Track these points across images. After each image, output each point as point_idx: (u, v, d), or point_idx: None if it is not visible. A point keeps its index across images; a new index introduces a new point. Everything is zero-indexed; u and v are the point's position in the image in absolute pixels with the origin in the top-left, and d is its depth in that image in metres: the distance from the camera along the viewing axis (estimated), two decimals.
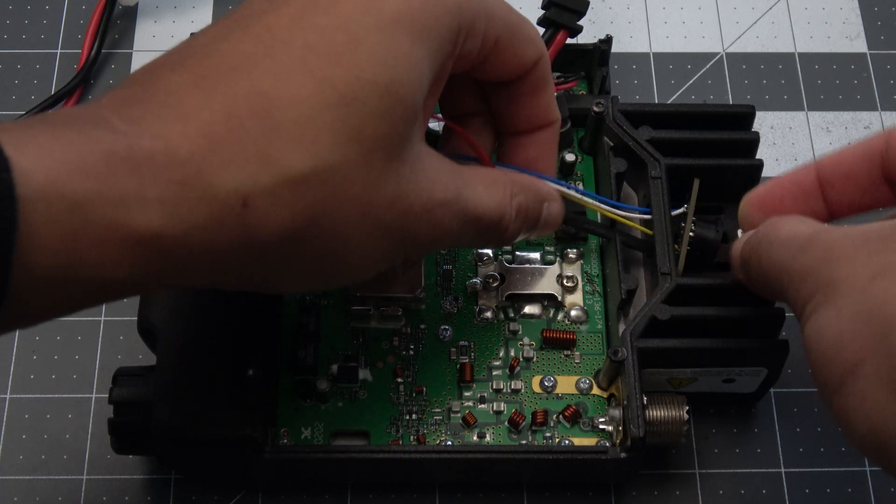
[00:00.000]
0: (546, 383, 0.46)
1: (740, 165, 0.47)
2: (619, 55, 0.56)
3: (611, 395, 0.46)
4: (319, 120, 0.33)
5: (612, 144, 0.48)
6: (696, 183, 0.45)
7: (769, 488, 0.47)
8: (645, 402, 0.43)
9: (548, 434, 0.45)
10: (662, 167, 0.46)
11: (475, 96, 0.43)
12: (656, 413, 0.43)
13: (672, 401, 0.44)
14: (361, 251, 0.36)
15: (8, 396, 0.48)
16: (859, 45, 0.57)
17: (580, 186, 0.50)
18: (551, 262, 0.48)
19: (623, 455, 0.43)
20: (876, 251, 0.34)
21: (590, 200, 0.45)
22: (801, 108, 0.56)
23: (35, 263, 0.30)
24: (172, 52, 0.35)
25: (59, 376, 0.49)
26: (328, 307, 0.47)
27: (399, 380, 0.46)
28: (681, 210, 0.45)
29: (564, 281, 0.48)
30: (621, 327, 0.45)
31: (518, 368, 0.46)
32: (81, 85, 0.54)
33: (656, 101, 0.56)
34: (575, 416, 0.45)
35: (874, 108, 0.56)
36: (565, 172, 0.50)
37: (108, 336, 0.50)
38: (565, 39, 0.49)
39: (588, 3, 0.49)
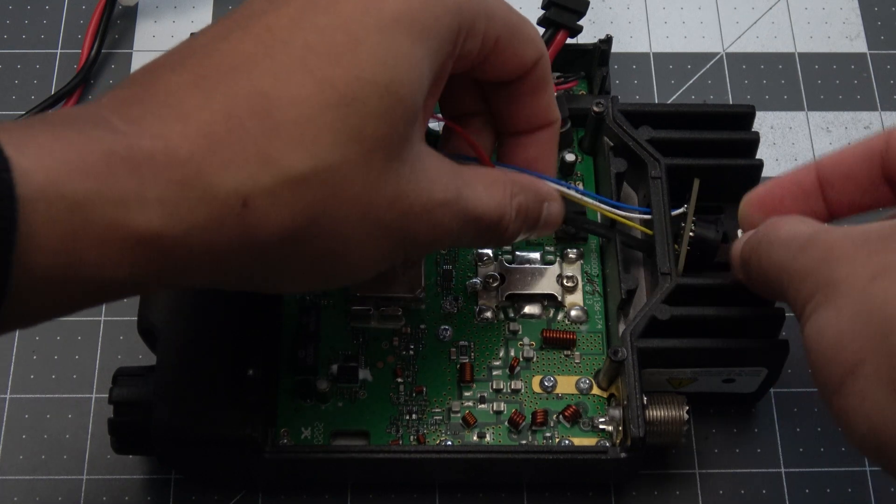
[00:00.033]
0: (546, 383, 0.46)
1: (740, 165, 0.47)
2: (619, 55, 0.56)
3: (611, 395, 0.46)
4: (319, 120, 0.33)
5: (612, 144, 0.48)
6: (696, 183, 0.45)
7: (769, 488, 0.47)
8: (645, 402, 0.43)
9: (548, 434, 0.45)
10: (662, 167, 0.46)
11: (475, 96, 0.43)
12: (656, 413, 0.43)
13: (672, 401, 0.44)
14: (361, 251, 0.36)
15: (8, 396, 0.48)
16: (859, 45, 0.57)
17: (580, 186, 0.50)
18: (551, 262, 0.48)
19: (623, 455, 0.43)
20: (876, 251, 0.34)
21: (589, 200, 0.45)
22: (801, 108, 0.56)
23: (35, 263, 0.30)
24: (172, 52, 0.35)
25: (59, 376, 0.49)
26: (328, 307, 0.47)
27: (399, 380, 0.46)
28: (681, 210, 0.45)
29: (564, 281, 0.48)
30: (621, 327, 0.45)
31: (518, 368, 0.46)
32: (81, 85, 0.54)
33: (656, 101, 0.56)
34: (575, 416, 0.45)
35: (874, 108, 0.56)
36: (565, 172, 0.50)
37: (108, 336, 0.50)
38: (565, 39, 0.49)
39: (588, 3, 0.49)
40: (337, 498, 0.47)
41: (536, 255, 0.48)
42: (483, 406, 0.46)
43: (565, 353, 0.47)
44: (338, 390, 0.46)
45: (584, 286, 0.48)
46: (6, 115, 0.54)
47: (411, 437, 0.45)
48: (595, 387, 0.46)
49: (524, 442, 0.45)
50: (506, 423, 0.45)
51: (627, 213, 0.46)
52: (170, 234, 0.32)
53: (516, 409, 0.46)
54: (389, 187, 0.35)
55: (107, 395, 0.44)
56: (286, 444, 0.45)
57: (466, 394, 0.46)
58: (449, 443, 0.45)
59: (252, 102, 0.33)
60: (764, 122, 0.55)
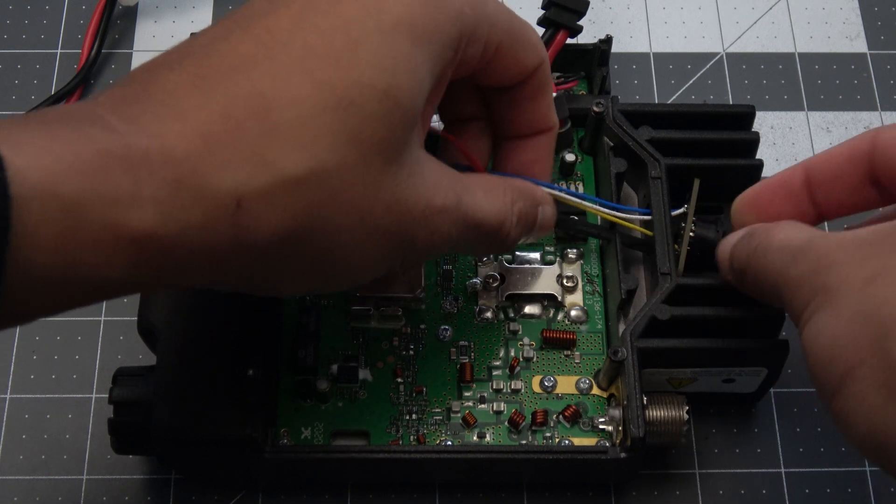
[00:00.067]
0: (546, 383, 0.46)
1: (740, 165, 0.47)
2: (619, 55, 0.57)
3: (611, 395, 0.46)
4: (317, 122, 0.33)
5: (612, 144, 0.48)
6: (697, 183, 0.45)
7: (769, 488, 0.47)
8: (645, 402, 0.43)
9: (548, 434, 0.45)
10: (662, 167, 0.46)
11: (474, 101, 0.43)
12: (656, 413, 0.43)
13: (672, 401, 0.44)
14: (358, 255, 0.36)
15: (8, 396, 0.48)
16: (859, 45, 0.57)
17: (581, 186, 0.50)
18: (551, 262, 0.48)
19: (623, 455, 0.43)
20: (869, 256, 0.34)
21: (576, 200, 0.45)
22: (801, 108, 0.56)
23: (29, 263, 0.30)
24: (172, 52, 0.35)
25: (59, 376, 0.49)
26: (328, 307, 0.47)
27: (399, 380, 0.46)
28: (681, 210, 0.45)
29: (564, 281, 0.48)
30: (621, 327, 0.45)
31: (518, 368, 0.46)
32: (81, 85, 0.54)
33: (656, 101, 0.56)
34: (575, 416, 0.45)
35: (874, 108, 0.56)
36: (565, 172, 0.50)
37: (108, 336, 0.50)
38: (565, 39, 0.49)
39: (588, 3, 0.49)
40: (337, 498, 0.47)
41: (536, 255, 0.48)
42: (483, 406, 0.46)
43: (565, 353, 0.47)
44: (338, 390, 0.46)
45: (584, 286, 0.48)
46: (6, 116, 0.54)
47: (411, 437, 0.45)
48: (595, 387, 0.46)
49: (524, 442, 0.45)
50: (506, 423, 0.45)
51: (621, 214, 0.46)
52: (164, 234, 0.32)
53: (516, 409, 0.46)
54: (387, 191, 0.35)
55: (107, 395, 0.44)
56: (286, 444, 0.45)
57: (466, 394, 0.46)
58: (449, 443, 0.45)
59: (250, 103, 0.33)
60: (764, 122, 0.55)
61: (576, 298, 0.48)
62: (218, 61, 0.34)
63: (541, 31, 0.49)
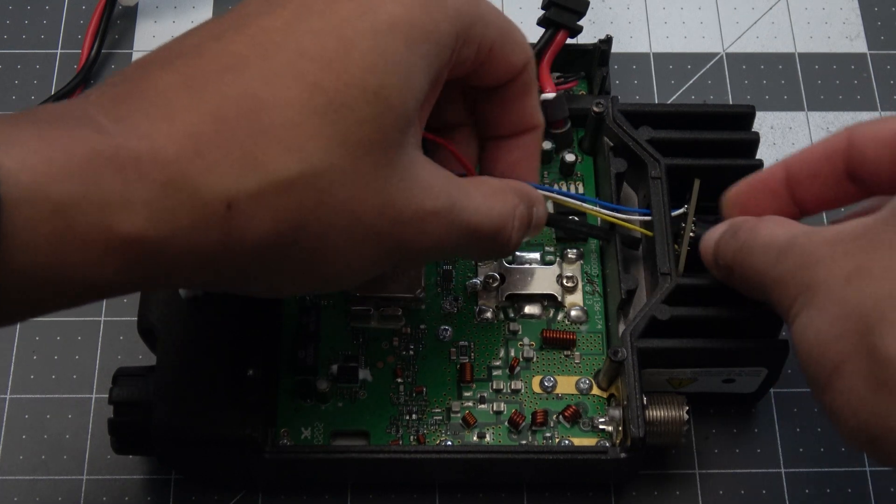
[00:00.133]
0: (546, 383, 0.46)
1: (740, 165, 0.47)
2: (619, 55, 0.56)
3: (611, 396, 0.46)
4: (308, 124, 0.33)
5: (612, 144, 0.48)
6: (697, 183, 0.45)
7: (769, 488, 0.47)
8: (645, 402, 0.43)
9: (548, 434, 0.45)
10: (662, 167, 0.46)
11: (460, 107, 0.43)
12: (656, 413, 0.43)
13: (672, 401, 0.44)
14: (350, 257, 0.36)
15: (8, 396, 0.48)
16: (859, 45, 0.57)
17: (581, 186, 0.50)
18: (551, 263, 0.48)
19: (623, 455, 0.43)
20: (850, 251, 0.34)
21: (575, 202, 0.45)
22: (801, 108, 0.56)
23: (18, 264, 0.30)
24: (163, 49, 0.35)
25: (59, 376, 0.49)
26: (328, 307, 0.47)
27: (399, 380, 0.46)
28: (681, 210, 0.45)
29: (564, 281, 0.48)
30: (621, 327, 0.45)
31: (518, 368, 0.46)
32: (81, 85, 0.54)
33: (656, 101, 0.56)
34: (575, 417, 0.45)
35: (874, 108, 0.56)
36: (565, 172, 0.50)
37: (108, 336, 0.50)
38: (565, 39, 0.49)
39: (588, 3, 0.49)
40: (337, 498, 0.47)
41: (536, 255, 0.48)
42: (483, 406, 0.46)
43: (565, 353, 0.47)
44: (338, 390, 0.46)
45: (584, 286, 0.48)
46: None
47: (411, 437, 0.45)
48: (595, 387, 0.46)
49: (524, 442, 0.45)
50: (506, 424, 0.46)
51: (621, 214, 0.46)
52: (154, 235, 0.32)
53: (516, 410, 0.46)
54: (378, 194, 0.35)
55: (107, 395, 0.44)
56: (286, 444, 0.45)
57: (466, 394, 0.46)
58: (449, 443, 0.45)
59: (241, 104, 0.33)
60: (764, 122, 0.55)
61: (576, 298, 0.48)
62: (210, 61, 0.34)
63: (541, 31, 0.49)
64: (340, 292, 0.47)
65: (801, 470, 0.48)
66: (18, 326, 0.50)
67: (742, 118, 0.48)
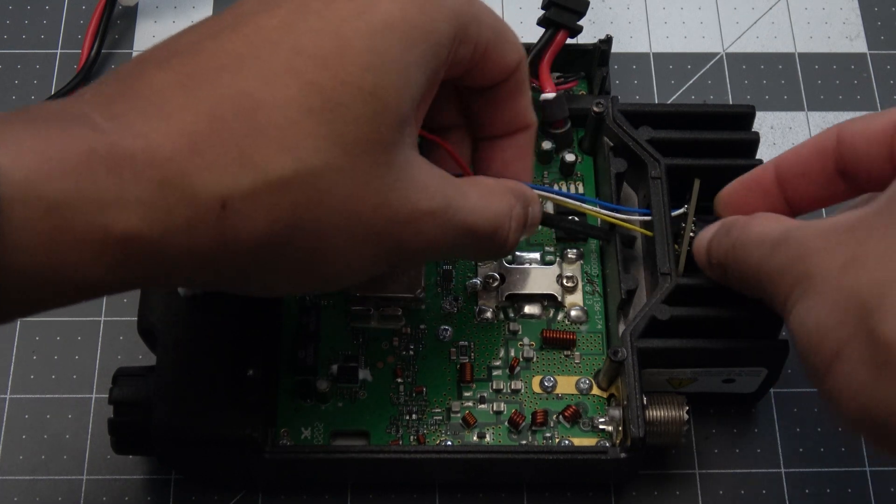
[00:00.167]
0: (546, 383, 0.46)
1: (740, 165, 0.47)
2: (619, 55, 0.56)
3: (611, 396, 0.46)
4: (303, 124, 0.33)
5: (612, 144, 0.48)
6: (697, 183, 0.45)
7: (769, 488, 0.47)
8: (645, 402, 0.43)
9: (548, 434, 0.45)
10: (662, 167, 0.46)
11: (454, 109, 0.43)
12: (656, 413, 0.44)
13: (672, 401, 0.44)
14: (345, 257, 0.36)
15: (8, 396, 0.48)
16: (859, 45, 0.57)
17: (581, 186, 0.50)
18: (551, 262, 0.48)
19: (623, 455, 0.43)
20: (844, 241, 0.35)
21: (574, 202, 0.45)
22: (801, 108, 0.56)
23: (11, 263, 0.30)
24: (159, 48, 0.35)
25: (59, 376, 0.49)
26: (328, 307, 0.47)
27: (399, 380, 0.46)
28: (681, 210, 0.45)
29: (564, 281, 0.48)
30: (621, 327, 0.45)
31: (518, 368, 0.46)
32: (81, 85, 0.54)
33: (656, 101, 0.56)
34: (575, 417, 0.45)
35: (874, 109, 0.56)
36: (565, 172, 0.50)
37: (108, 336, 0.50)
38: (565, 39, 0.49)
39: (588, 3, 0.49)
40: (337, 498, 0.47)
41: (536, 255, 0.48)
42: (483, 406, 0.46)
43: (565, 353, 0.47)
44: (338, 390, 0.46)
45: (584, 286, 0.48)
46: None
47: (411, 437, 0.45)
48: (595, 387, 0.46)
49: (524, 442, 0.45)
50: (506, 424, 0.46)
51: (621, 215, 0.46)
52: (149, 234, 0.31)
53: (516, 410, 0.46)
54: (374, 193, 0.35)
55: (107, 395, 0.44)
56: (286, 444, 0.45)
57: (466, 394, 0.46)
58: (449, 443, 0.45)
59: (237, 104, 0.33)
60: (764, 122, 0.55)
61: (576, 298, 0.48)
62: (206, 60, 0.34)
63: (541, 31, 0.49)
64: (340, 292, 0.47)
65: (801, 470, 0.48)
66: (18, 326, 0.50)
67: (742, 118, 0.48)
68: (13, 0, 0.58)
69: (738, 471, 0.48)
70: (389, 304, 0.47)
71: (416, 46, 0.35)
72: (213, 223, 0.32)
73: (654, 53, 0.57)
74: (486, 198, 0.39)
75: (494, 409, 0.46)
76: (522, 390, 0.46)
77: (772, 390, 0.49)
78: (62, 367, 0.49)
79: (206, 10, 0.58)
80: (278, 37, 0.34)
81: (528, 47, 0.48)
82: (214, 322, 0.44)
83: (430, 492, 0.47)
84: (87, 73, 0.54)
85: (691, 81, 0.56)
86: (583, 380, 0.46)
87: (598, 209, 0.46)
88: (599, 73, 0.51)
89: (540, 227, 0.47)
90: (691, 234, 0.45)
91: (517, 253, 0.48)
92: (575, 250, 0.48)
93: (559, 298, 0.47)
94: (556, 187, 0.49)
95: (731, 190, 0.44)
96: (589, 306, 0.48)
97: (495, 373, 0.47)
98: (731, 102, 0.56)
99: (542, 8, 0.49)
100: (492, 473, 0.46)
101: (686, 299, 0.44)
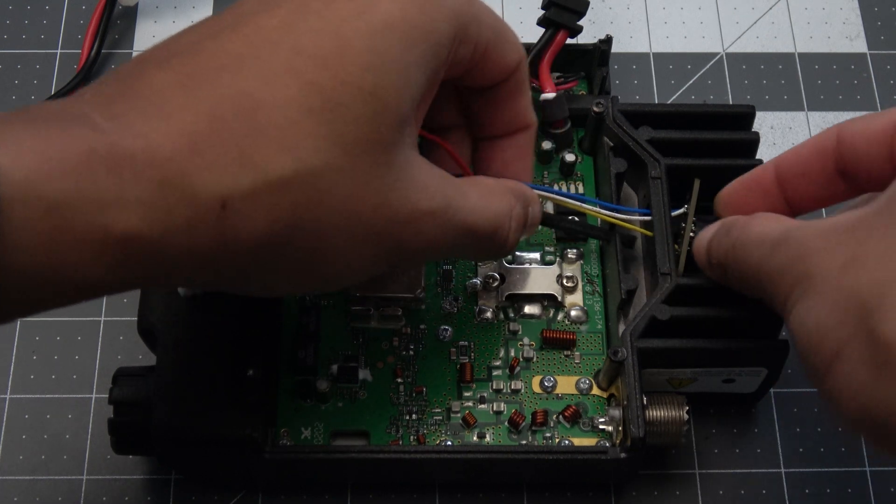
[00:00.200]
0: (546, 383, 0.46)
1: (740, 165, 0.47)
2: (619, 55, 0.57)
3: (611, 396, 0.46)
4: (303, 124, 0.33)
5: (612, 144, 0.48)
6: (697, 183, 0.45)
7: (769, 488, 0.47)
8: (645, 402, 0.43)
9: (548, 434, 0.45)
10: (662, 167, 0.46)
11: (454, 109, 0.43)
12: (656, 413, 0.43)
13: (672, 401, 0.44)
14: (344, 257, 0.36)
15: (8, 396, 0.48)
16: (859, 45, 0.57)
17: (581, 186, 0.50)
18: (551, 263, 0.48)
19: (623, 455, 0.43)
20: (844, 241, 0.35)
21: (574, 202, 0.45)
22: (801, 108, 0.56)
23: (11, 263, 0.30)
24: (159, 48, 0.35)
25: (59, 376, 0.49)
26: (328, 307, 0.47)
27: (399, 380, 0.46)
28: (681, 210, 0.45)
29: (564, 281, 0.48)
30: (621, 327, 0.45)
31: (518, 368, 0.46)
32: (81, 85, 0.54)
33: (656, 101, 0.56)
34: (575, 417, 0.45)
35: (874, 109, 0.56)
36: (565, 172, 0.50)
37: (108, 336, 0.50)
38: (565, 39, 0.49)
39: (588, 3, 0.49)
40: (337, 498, 0.47)
41: (536, 255, 0.48)
42: (483, 406, 0.46)
43: (565, 353, 0.47)
44: (338, 390, 0.46)
45: (584, 286, 0.48)
46: None
47: (411, 437, 0.45)
48: (595, 387, 0.46)
49: (524, 442, 0.45)
50: (506, 424, 0.46)
51: (621, 215, 0.46)
52: (149, 234, 0.31)
53: (516, 410, 0.46)
54: (374, 193, 0.35)
55: (107, 395, 0.44)
56: (286, 444, 0.45)
57: (466, 394, 0.46)
58: (449, 443, 0.45)
59: (237, 104, 0.33)
60: (764, 122, 0.55)
61: (576, 298, 0.48)
62: (206, 60, 0.34)
63: (541, 31, 0.49)
64: (340, 292, 0.47)
65: (801, 470, 0.48)
66: (18, 326, 0.50)
67: (742, 118, 0.48)
68: (13, 0, 0.58)
69: (738, 471, 0.48)
70: (389, 304, 0.47)
71: (415, 46, 0.35)
72: (213, 223, 0.32)
73: (654, 53, 0.57)
74: (486, 198, 0.39)
75: (494, 409, 0.46)
76: (522, 390, 0.46)
77: (772, 390, 0.49)
78: (62, 367, 0.49)
79: (206, 10, 0.58)
80: (278, 37, 0.34)
81: (528, 47, 0.48)
82: (214, 322, 0.44)
83: (430, 492, 0.47)
84: (87, 73, 0.54)
85: (691, 81, 0.56)
86: (583, 380, 0.46)
87: (598, 209, 0.46)
88: (599, 73, 0.51)
89: (540, 227, 0.47)
90: (691, 234, 0.45)
91: (517, 253, 0.48)
92: (575, 250, 0.48)
93: (559, 298, 0.47)
94: (556, 187, 0.49)
95: (731, 190, 0.44)
96: (589, 306, 0.48)
97: (495, 373, 0.47)
98: (731, 102, 0.56)
99: (542, 8, 0.49)
100: (492, 473, 0.46)
101: (686, 299, 0.44)
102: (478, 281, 0.48)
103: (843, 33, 0.58)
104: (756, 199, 0.43)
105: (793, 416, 0.49)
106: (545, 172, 0.50)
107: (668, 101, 0.56)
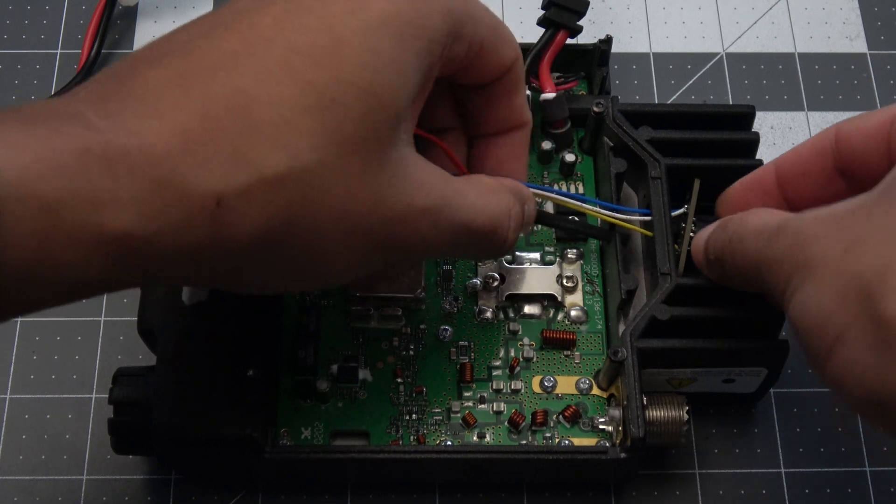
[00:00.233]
0: (546, 383, 0.46)
1: (740, 165, 0.47)
2: (619, 55, 0.57)
3: (611, 396, 0.46)
4: (298, 121, 0.33)
5: (612, 144, 0.48)
6: (697, 183, 0.45)
7: (769, 488, 0.47)
8: (645, 402, 0.43)
9: (548, 434, 0.45)
10: (662, 167, 0.46)
11: (450, 110, 0.43)
12: (656, 413, 0.43)
13: (672, 401, 0.44)
14: (339, 255, 0.36)
15: (8, 396, 0.48)
16: (859, 45, 0.57)
17: (581, 186, 0.50)
18: (551, 263, 0.48)
19: (623, 455, 0.43)
20: (844, 227, 0.35)
21: (574, 202, 0.45)
22: (801, 108, 0.56)
23: (6, 261, 0.30)
24: (153, 47, 0.35)
25: (59, 376, 0.49)
26: (328, 307, 0.47)
27: (399, 380, 0.46)
28: (681, 210, 0.45)
29: (564, 281, 0.48)
30: (621, 327, 0.45)
31: (518, 368, 0.46)
32: None
33: (656, 101, 0.56)
34: (575, 417, 0.45)
35: (874, 109, 0.56)
36: (565, 172, 0.50)
37: (108, 336, 0.50)
38: (565, 39, 0.49)
39: (588, 3, 0.49)
40: (337, 498, 0.47)
41: (536, 255, 0.48)
42: (483, 406, 0.46)
43: (565, 353, 0.47)
44: (338, 390, 0.46)
45: (583, 286, 0.48)
46: None
47: (411, 437, 0.45)
48: (595, 387, 0.46)
49: (524, 442, 0.45)
50: (506, 424, 0.46)
51: (621, 215, 0.46)
52: (144, 233, 0.31)
53: (516, 410, 0.46)
54: (368, 191, 0.35)
55: (107, 395, 0.44)
56: (286, 444, 0.45)
57: (466, 394, 0.46)
58: (449, 443, 0.45)
59: (231, 101, 0.33)
60: (764, 122, 0.55)
61: (576, 298, 0.48)
62: (199, 58, 0.34)
63: (541, 31, 0.49)
64: (341, 292, 0.47)
65: (801, 470, 0.48)
66: (18, 326, 0.50)
67: (742, 118, 0.48)
68: (13, 0, 0.58)
69: (738, 471, 0.48)
70: (389, 304, 0.47)
71: (410, 43, 0.35)
72: (208, 221, 0.32)
73: (654, 53, 0.57)
74: (484, 196, 0.39)
75: (494, 409, 0.46)
76: (522, 390, 0.46)
77: (772, 390, 0.49)
78: (62, 367, 0.49)
79: (206, 10, 0.58)
80: (272, 34, 0.34)
81: (528, 47, 0.48)
82: (214, 322, 0.44)
83: (430, 492, 0.47)
84: (87, 73, 0.54)
85: (691, 81, 0.56)
86: (583, 380, 0.46)
87: (598, 209, 0.46)
88: (599, 73, 0.51)
89: (540, 226, 0.47)
90: (691, 233, 0.45)
91: (517, 253, 0.48)
92: (575, 250, 0.48)
93: (559, 298, 0.47)
94: (556, 187, 0.49)
95: (733, 191, 0.44)
96: (589, 306, 0.48)
97: (495, 373, 0.47)
98: (731, 102, 0.56)
99: (542, 8, 0.49)
100: (492, 473, 0.46)
101: (686, 299, 0.44)
102: (478, 281, 0.48)
103: (843, 33, 0.58)
104: (757, 200, 0.43)
105: (793, 416, 0.49)
106: (545, 172, 0.50)
107: (668, 101, 0.56)
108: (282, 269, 0.35)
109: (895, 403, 0.33)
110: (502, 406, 0.46)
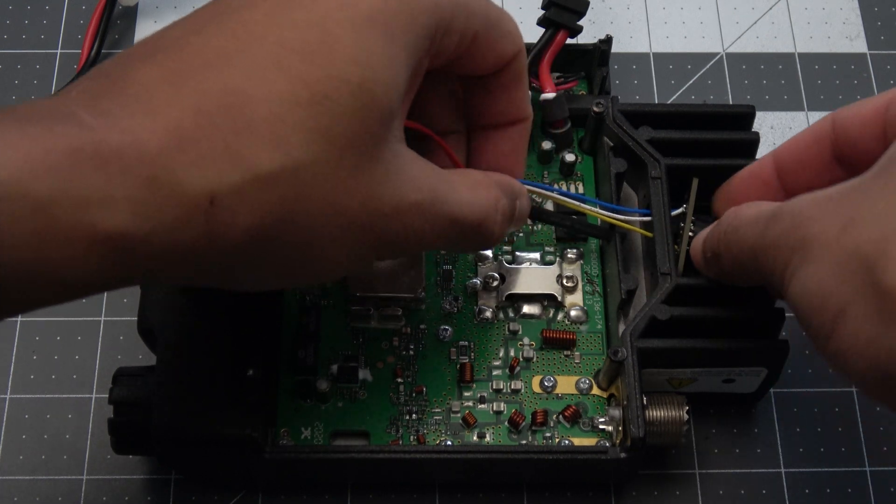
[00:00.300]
0: (546, 383, 0.46)
1: (740, 166, 0.47)
2: (619, 55, 0.57)
3: (611, 395, 0.46)
4: (290, 118, 0.33)
5: (612, 144, 0.48)
6: (695, 183, 0.45)
7: (769, 488, 0.47)
8: (645, 402, 0.43)
9: (548, 434, 0.45)
10: (662, 167, 0.46)
11: (450, 112, 0.43)
12: (656, 413, 0.44)
13: (672, 401, 0.44)
14: (332, 251, 0.36)
15: (8, 396, 0.48)
16: (859, 45, 0.57)
17: (581, 186, 0.50)
18: (551, 262, 0.48)
19: (623, 455, 0.43)
20: (841, 206, 0.35)
21: (559, 196, 0.45)
22: (801, 108, 0.56)
23: (2, 261, 0.30)
24: (145, 44, 0.35)
25: (59, 376, 0.49)
26: (328, 307, 0.47)
27: (399, 380, 0.46)
28: (680, 210, 0.46)
29: (564, 281, 0.48)
30: (621, 327, 0.45)
31: (518, 368, 0.46)
32: None
33: (656, 101, 0.56)
34: (575, 416, 0.45)
35: None
36: (565, 172, 0.50)
37: (108, 336, 0.50)
38: (565, 39, 0.49)
39: (588, 3, 0.49)
40: (337, 498, 0.47)
41: (536, 255, 0.48)
42: (483, 406, 0.46)
43: (565, 353, 0.47)
44: (338, 390, 0.46)
45: (583, 286, 0.48)
46: None
47: (411, 437, 0.45)
48: (595, 387, 0.46)
49: (524, 442, 0.45)
50: (506, 423, 0.46)
51: (621, 215, 0.46)
52: (137, 232, 0.31)
53: (516, 409, 0.46)
54: (361, 187, 0.35)
55: (107, 395, 0.44)
56: (286, 444, 0.45)
57: (466, 394, 0.46)
58: (449, 443, 0.45)
59: (223, 99, 0.33)
60: (764, 122, 0.55)
61: (576, 298, 0.48)
62: (191, 56, 0.33)
63: (541, 31, 0.49)
64: (340, 292, 0.47)
65: (801, 470, 0.48)
66: (18, 327, 0.50)
67: (742, 118, 0.48)
68: (13, 0, 0.58)
69: (738, 471, 0.48)
70: (389, 304, 0.47)
71: (399, 38, 0.35)
72: (202, 219, 0.32)
73: (654, 53, 0.57)
74: (473, 190, 0.39)
75: (494, 409, 0.46)
76: (522, 390, 0.46)
77: (772, 390, 0.49)
78: (62, 367, 0.49)
79: None
80: (263, 31, 0.34)
81: (529, 47, 0.48)
82: (214, 322, 0.44)
83: (430, 492, 0.47)
84: None
85: (691, 81, 0.56)
86: (583, 380, 0.46)
87: (598, 209, 0.46)
88: (599, 73, 0.51)
89: (539, 226, 0.47)
90: (691, 233, 0.45)
91: (517, 253, 0.48)
92: (575, 250, 0.48)
93: (559, 298, 0.47)
94: (556, 187, 0.49)
95: (729, 187, 0.44)
96: (589, 306, 0.48)
97: (495, 373, 0.47)
98: (731, 102, 0.56)
99: (542, 8, 0.49)
100: (492, 473, 0.46)
101: (686, 299, 0.44)
102: (478, 281, 0.48)
103: (843, 33, 0.58)
104: (755, 192, 0.43)
105: (793, 416, 0.49)
106: (545, 172, 0.50)
107: (668, 101, 0.56)
108: (276, 266, 0.35)
109: None
110: (502, 406, 0.46)
